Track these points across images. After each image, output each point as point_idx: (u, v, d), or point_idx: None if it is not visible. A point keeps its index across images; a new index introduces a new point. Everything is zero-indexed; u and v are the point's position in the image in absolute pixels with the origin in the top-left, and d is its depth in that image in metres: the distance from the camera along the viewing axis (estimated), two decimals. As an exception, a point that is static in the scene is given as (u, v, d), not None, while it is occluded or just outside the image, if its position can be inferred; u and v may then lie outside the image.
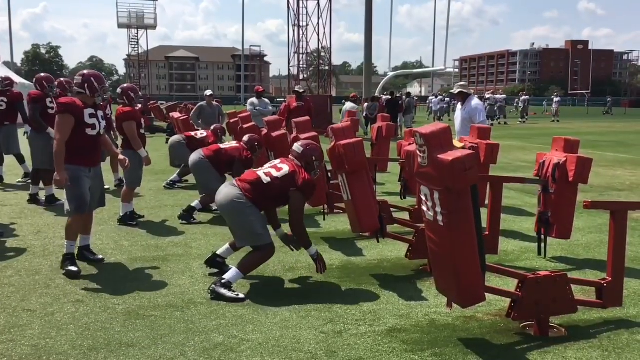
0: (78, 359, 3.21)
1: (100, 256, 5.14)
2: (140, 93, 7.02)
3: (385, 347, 3.38)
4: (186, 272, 4.79)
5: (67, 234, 4.79)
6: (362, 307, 4.02)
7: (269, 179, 4.38)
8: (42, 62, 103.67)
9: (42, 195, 7.72)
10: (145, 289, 4.37)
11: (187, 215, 6.70)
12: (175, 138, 9.31)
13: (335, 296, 4.24)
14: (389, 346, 3.39)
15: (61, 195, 7.86)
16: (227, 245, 4.75)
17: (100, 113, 4.87)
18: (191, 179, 8.86)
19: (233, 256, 4.75)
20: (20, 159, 9.35)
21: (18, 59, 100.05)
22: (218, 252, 4.75)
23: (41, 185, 7.75)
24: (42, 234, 6.09)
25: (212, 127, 9.22)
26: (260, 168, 4.64)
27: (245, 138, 6.99)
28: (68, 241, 4.77)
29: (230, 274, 4.25)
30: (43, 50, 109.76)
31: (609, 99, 49.47)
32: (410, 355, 3.29)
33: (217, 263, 4.72)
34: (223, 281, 4.20)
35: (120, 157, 5.29)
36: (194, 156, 6.93)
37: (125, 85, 6.86)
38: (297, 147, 4.62)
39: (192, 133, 9.29)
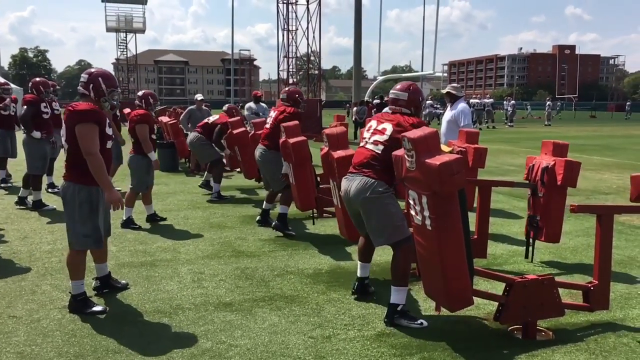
0: (64, 366, 3.18)
1: (125, 281, 4.54)
2: (158, 101, 6.99)
3: (374, 352, 3.38)
4: (174, 278, 4.76)
5: (73, 272, 3.91)
6: (351, 311, 4.02)
7: (382, 147, 3.84)
8: (29, 66, 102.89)
9: (29, 200, 7.67)
10: (132, 295, 4.34)
11: (282, 225, 6.24)
12: (192, 137, 8.90)
13: (324, 301, 4.23)
14: (377, 351, 3.39)
15: (48, 200, 7.84)
16: (359, 264, 4.34)
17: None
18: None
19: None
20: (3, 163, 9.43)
21: (5, 63, 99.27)
22: (359, 275, 4.33)
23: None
24: (28, 239, 6.02)
25: (225, 107, 8.98)
26: (362, 141, 4.05)
27: (283, 93, 6.54)
28: (75, 282, 3.91)
29: (396, 296, 3.80)
30: (31, 54, 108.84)
31: (628, 104, 49.59)
32: (399, 359, 3.29)
33: (365, 286, 4.33)
34: (398, 309, 3.77)
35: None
36: (257, 151, 6.57)
37: (145, 90, 7.00)
38: (397, 93, 3.98)
39: (204, 121, 9.09)
